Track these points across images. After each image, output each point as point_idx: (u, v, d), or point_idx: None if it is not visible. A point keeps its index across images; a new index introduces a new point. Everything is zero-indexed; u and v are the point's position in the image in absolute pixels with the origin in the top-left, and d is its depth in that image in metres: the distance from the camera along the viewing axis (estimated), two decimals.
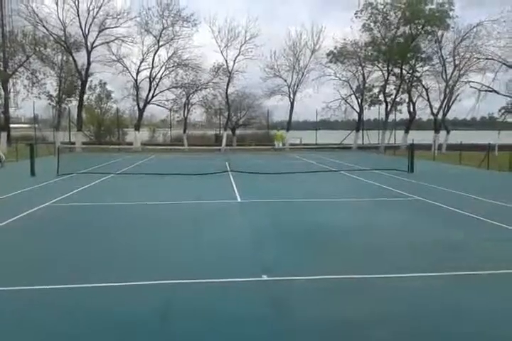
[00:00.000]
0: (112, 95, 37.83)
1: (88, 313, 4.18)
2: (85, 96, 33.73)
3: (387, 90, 34.61)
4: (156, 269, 5.45)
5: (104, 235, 7.33)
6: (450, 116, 35.30)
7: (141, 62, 31.74)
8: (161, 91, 32.77)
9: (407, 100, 34.19)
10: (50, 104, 32.02)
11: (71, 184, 13.00)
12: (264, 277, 5.12)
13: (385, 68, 33.77)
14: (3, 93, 28.17)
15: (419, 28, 31.88)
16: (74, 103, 32.57)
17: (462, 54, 31.32)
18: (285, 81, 34.48)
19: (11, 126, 33.45)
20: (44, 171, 15.52)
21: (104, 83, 37.41)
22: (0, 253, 6.20)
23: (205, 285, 4.91)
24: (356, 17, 32.82)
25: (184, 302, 4.46)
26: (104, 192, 12.10)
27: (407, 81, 33.61)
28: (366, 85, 35.50)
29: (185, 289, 4.81)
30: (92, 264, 5.67)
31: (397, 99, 34.71)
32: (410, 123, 33.92)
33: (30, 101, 31.07)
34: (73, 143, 31.06)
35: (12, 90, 29.85)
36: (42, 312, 4.24)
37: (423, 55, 32.73)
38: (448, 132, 32.90)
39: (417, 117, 35.09)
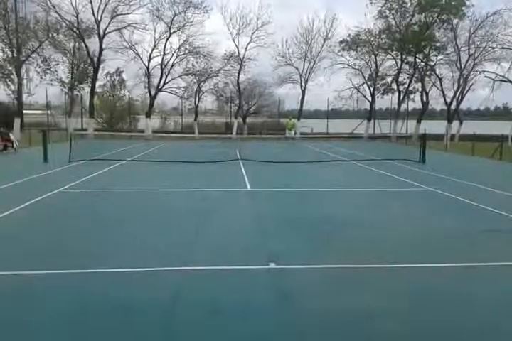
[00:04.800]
0: (126, 84, 38.02)
1: (97, 298, 4.27)
2: (99, 84, 33.89)
3: (400, 79, 34.23)
4: (164, 256, 5.52)
5: (114, 221, 7.43)
6: (464, 106, 34.95)
7: (152, 49, 31.73)
8: (172, 79, 32.80)
9: (420, 89, 33.80)
10: (62, 90, 32.22)
11: (83, 170, 13.13)
12: (272, 265, 5.16)
13: (399, 57, 33.33)
14: (16, 79, 28.30)
15: (435, 16, 31.32)
16: (86, 90, 32.76)
17: (478, 43, 30.81)
18: (297, 69, 34.26)
19: (24, 112, 33.68)
20: (56, 157, 15.68)
21: (121, 71, 37.59)
22: (13, 239, 6.31)
23: (212, 272, 4.97)
24: (371, 3, 32.40)
25: (191, 289, 4.52)
26: (115, 179, 12.23)
27: (421, 70, 33.14)
28: (379, 74, 35.12)
29: (193, 276, 4.87)
30: (102, 250, 5.76)
31: (410, 88, 34.32)
32: (423, 113, 33.55)
33: (43, 87, 31.28)
34: (85, 130, 31.26)
35: (25, 76, 29.99)
36: (54, 296, 4.33)
37: (438, 44, 32.19)
38: (461, 122, 32.51)
39: (430, 107, 34.72)
